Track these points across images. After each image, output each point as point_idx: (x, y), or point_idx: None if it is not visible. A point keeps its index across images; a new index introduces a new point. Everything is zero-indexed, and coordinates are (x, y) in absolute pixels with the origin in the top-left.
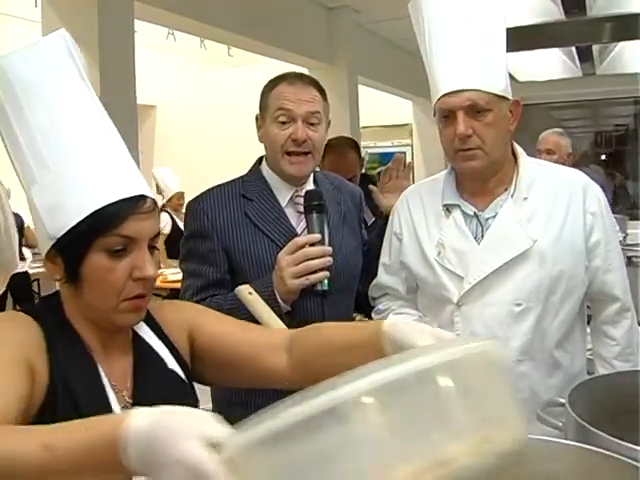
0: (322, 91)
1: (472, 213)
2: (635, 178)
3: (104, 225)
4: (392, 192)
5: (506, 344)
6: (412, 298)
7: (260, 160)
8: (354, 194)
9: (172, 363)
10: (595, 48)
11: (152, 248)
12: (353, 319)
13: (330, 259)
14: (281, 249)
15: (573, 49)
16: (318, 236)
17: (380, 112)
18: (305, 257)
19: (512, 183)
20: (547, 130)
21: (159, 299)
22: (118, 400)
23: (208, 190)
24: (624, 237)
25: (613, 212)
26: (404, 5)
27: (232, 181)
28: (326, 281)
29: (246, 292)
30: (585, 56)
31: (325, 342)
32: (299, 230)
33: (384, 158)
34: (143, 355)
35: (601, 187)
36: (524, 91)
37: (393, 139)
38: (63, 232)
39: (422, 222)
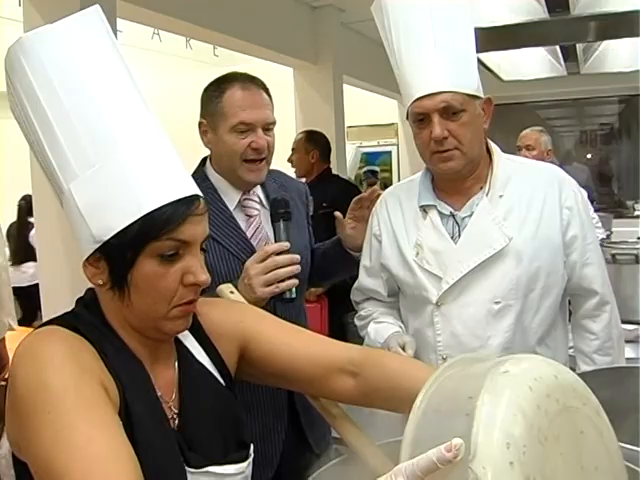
0: (268, 90)
1: (448, 213)
2: (619, 177)
3: (159, 228)
4: (358, 221)
5: (486, 342)
6: (394, 301)
7: (203, 162)
8: (300, 190)
9: (215, 372)
10: (579, 47)
11: (202, 251)
12: (305, 318)
13: (298, 267)
14: (233, 255)
15: (557, 48)
16: (287, 244)
17: (366, 111)
18: (275, 265)
19: (487, 181)
20: (528, 128)
21: None
22: (166, 411)
23: None
24: (608, 235)
25: (598, 210)
26: None
27: None
28: (294, 288)
29: (228, 291)
30: (569, 55)
31: (393, 377)
32: (249, 234)
33: (370, 157)
34: (187, 364)
35: (586, 186)
36: (509, 90)
37: (379, 138)
38: (110, 235)
39: (400, 223)
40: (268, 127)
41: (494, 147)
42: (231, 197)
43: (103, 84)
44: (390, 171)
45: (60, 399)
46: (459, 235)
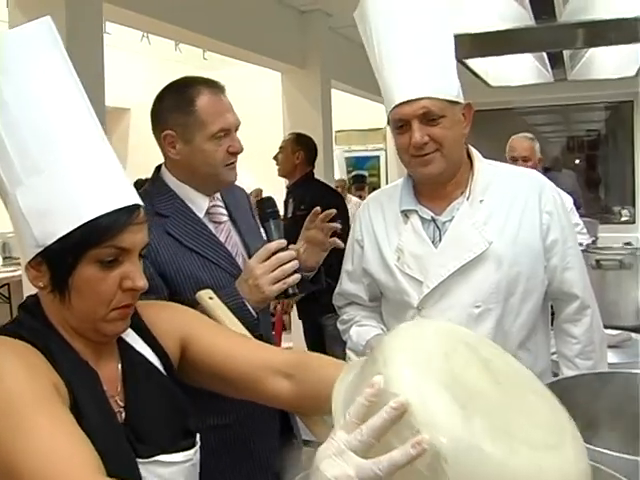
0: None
1: (429, 217)
2: (607, 183)
3: (98, 236)
4: (309, 243)
5: None
6: (376, 306)
7: (158, 171)
8: (243, 194)
9: (159, 364)
10: (566, 54)
11: (141, 257)
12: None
13: (297, 262)
14: (213, 263)
15: (544, 55)
16: (284, 241)
17: (354, 116)
18: (279, 262)
19: (468, 186)
20: (516, 135)
21: None
22: (112, 405)
23: None
24: (594, 240)
25: (584, 216)
26: None
27: None
28: (296, 285)
29: (206, 297)
30: (556, 62)
31: (330, 381)
32: (222, 240)
33: (359, 162)
34: (130, 359)
35: (573, 192)
36: (497, 96)
37: (367, 143)
38: (52, 240)
39: (382, 228)
40: (237, 129)
41: (475, 152)
42: (199, 205)
43: (50, 93)
44: (378, 175)
45: (19, 403)
46: (440, 239)
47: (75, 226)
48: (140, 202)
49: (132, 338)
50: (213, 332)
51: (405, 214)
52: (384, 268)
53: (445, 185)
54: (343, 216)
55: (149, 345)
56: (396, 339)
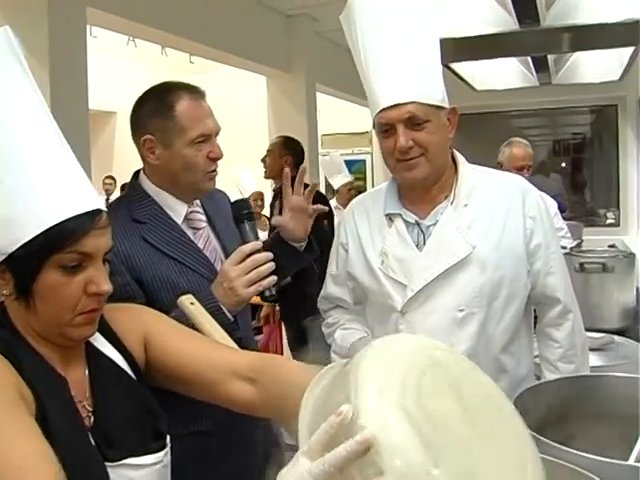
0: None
1: (414, 221)
2: (592, 185)
3: (61, 242)
4: (295, 211)
5: None
6: (360, 309)
7: (136, 176)
8: (223, 199)
9: (126, 367)
10: (550, 58)
11: (105, 262)
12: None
13: (273, 264)
14: (191, 269)
15: (529, 59)
16: (260, 243)
17: (340, 120)
18: (254, 265)
19: (452, 191)
20: (511, 141)
21: None
22: (80, 410)
23: None
24: (579, 243)
25: (569, 219)
26: None
27: (114, 206)
28: (272, 287)
29: (188, 302)
30: (541, 66)
31: (295, 387)
32: (201, 246)
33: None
34: (98, 364)
35: (557, 194)
36: (483, 100)
37: (353, 147)
38: (15, 247)
39: (366, 232)
40: (217, 134)
41: (459, 157)
42: (177, 211)
43: (8, 103)
44: (364, 179)
45: None
46: (424, 243)
47: (37, 232)
48: (103, 207)
49: (99, 342)
50: (174, 333)
51: (389, 218)
52: (368, 271)
53: (429, 189)
54: (329, 220)
55: (116, 348)
56: (369, 361)
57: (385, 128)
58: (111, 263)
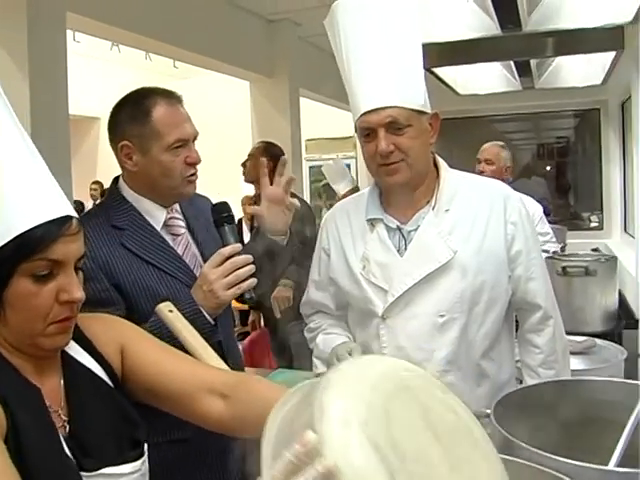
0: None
1: (395, 226)
2: (576, 189)
3: (30, 249)
4: (273, 202)
5: (431, 355)
6: (342, 314)
7: (115, 183)
8: (206, 206)
9: (103, 374)
10: (533, 63)
11: (77, 269)
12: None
13: (253, 267)
14: (170, 275)
15: (512, 63)
16: (239, 246)
17: (324, 125)
18: (234, 267)
19: (434, 196)
20: (490, 142)
21: None
22: (55, 420)
23: None
24: (562, 247)
25: (553, 223)
26: None
27: (93, 212)
28: (252, 289)
29: (166, 310)
30: (524, 70)
31: (263, 405)
32: (180, 252)
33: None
34: (74, 372)
35: (542, 198)
36: (466, 104)
37: (338, 151)
38: None
39: (348, 237)
40: (195, 140)
41: (441, 162)
42: (156, 217)
43: None
44: None
45: None
46: (405, 248)
47: (5, 240)
48: (73, 213)
49: (75, 350)
50: (150, 346)
51: (371, 223)
52: (350, 277)
53: (411, 194)
54: (312, 226)
55: (92, 356)
56: (335, 386)
57: (366, 132)
58: (89, 269)
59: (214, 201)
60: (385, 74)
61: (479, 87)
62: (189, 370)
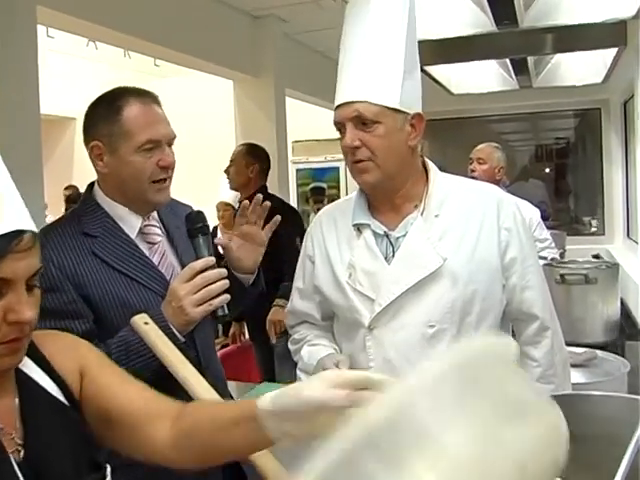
0: (160, 103)
1: (382, 232)
2: (576, 192)
3: None
4: (245, 239)
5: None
6: (328, 325)
7: (90, 188)
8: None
9: (60, 396)
10: (530, 60)
11: (32, 287)
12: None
13: (227, 281)
14: (143, 286)
15: (508, 61)
16: (213, 259)
17: (312, 126)
18: (205, 282)
19: (422, 200)
20: (483, 143)
21: None
22: (7, 445)
23: (42, 233)
24: (561, 253)
25: (552, 227)
26: (333, 15)
27: (64, 218)
28: (225, 305)
29: (142, 322)
30: (520, 68)
31: (207, 420)
32: (156, 261)
33: (317, 174)
34: (29, 392)
35: (541, 202)
36: (460, 104)
37: (326, 154)
38: None
39: (334, 243)
40: (171, 143)
41: (431, 165)
42: (131, 225)
43: None
44: (338, 188)
45: None
46: (393, 255)
47: None
48: (25, 226)
49: (30, 369)
50: (107, 371)
51: (358, 228)
52: (335, 285)
53: (394, 198)
54: (300, 232)
55: (50, 376)
56: None
57: (338, 127)
58: (55, 279)
59: (196, 209)
60: (358, 70)
61: (474, 86)
62: (143, 399)
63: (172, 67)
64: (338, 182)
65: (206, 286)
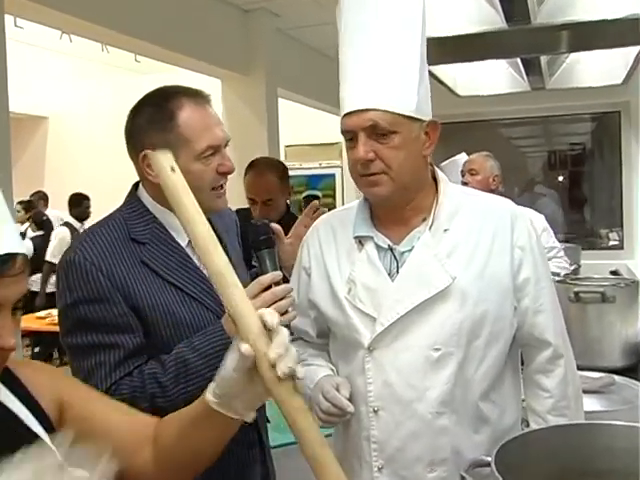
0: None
1: (386, 246)
2: (593, 202)
3: None
4: (299, 240)
5: (423, 394)
6: (325, 343)
7: (136, 187)
8: (232, 220)
9: (37, 427)
10: (543, 60)
11: (15, 310)
12: None
13: (294, 297)
14: (194, 299)
15: (519, 61)
16: (279, 274)
17: (307, 129)
18: (275, 299)
19: (431, 213)
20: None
21: None
22: None
23: (88, 236)
24: (575, 269)
25: (566, 241)
26: (329, 9)
27: (110, 221)
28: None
29: (168, 166)
30: (532, 69)
31: (175, 433)
32: (206, 272)
33: (311, 181)
34: (1, 420)
35: (552, 213)
36: (467, 107)
37: (321, 159)
38: None
39: (333, 256)
40: (227, 145)
41: (441, 175)
42: (182, 233)
43: None
44: (333, 196)
45: None
46: (397, 271)
47: None
48: (15, 249)
49: (6, 396)
50: (90, 400)
51: (359, 241)
52: (333, 301)
53: (402, 210)
54: None
55: (26, 405)
56: None
57: (348, 136)
58: (105, 288)
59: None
60: (372, 74)
61: (482, 88)
62: (129, 424)
63: (155, 63)
64: (334, 190)
65: (275, 302)
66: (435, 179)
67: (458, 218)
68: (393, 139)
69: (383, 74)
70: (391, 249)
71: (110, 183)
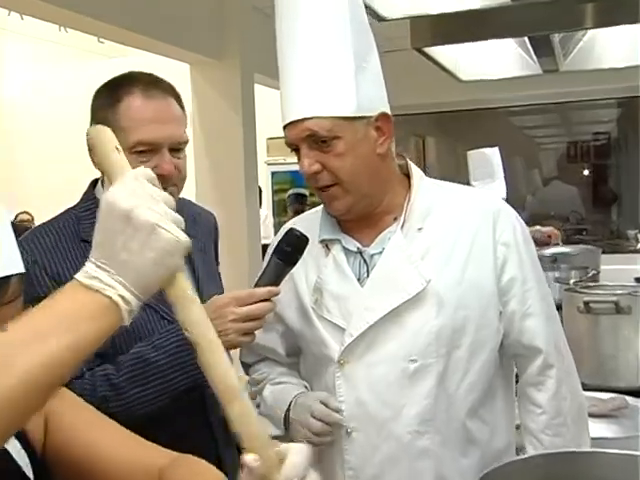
0: (179, 96)
1: (355, 249)
2: (619, 199)
3: None
4: None
5: (400, 412)
6: (295, 362)
7: (94, 185)
8: (210, 225)
9: (17, 451)
10: (556, 38)
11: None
12: None
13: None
14: (148, 306)
15: (526, 40)
16: (279, 290)
17: None
18: (261, 314)
19: (403, 211)
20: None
21: None
22: None
23: (35, 234)
24: (594, 275)
25: (586, 242)
26: None
27: (61, 219)
28: None
29: (111, 145)
30: (543, 49)
31: None
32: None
33: (297, 178)
34: None
35: (575, 212)
36: (470, 93)
37: None
38: None
39: (299, 263)
40: (178, 147)
41: (415, 169)
42: None
43: None
44: None
45: None
46: (367, 276)
47: None
48: (12, 271)
49: None
50: (81, 417)
51: (326, 245)
52: (300, 312)
53: (371, 214)
54: None
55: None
56: None
57: (292, 149)
58: (49, 288)
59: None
60: (302, 81)
61: (486, 71)
62: (127, 451)
63: (119, 46)
64: None
65: (260, 318)
66: (407, 174)
67: (433, 216)
68: (336, 145)
69: (313, 80)
70: (360, 252)
71: (68, 176)
